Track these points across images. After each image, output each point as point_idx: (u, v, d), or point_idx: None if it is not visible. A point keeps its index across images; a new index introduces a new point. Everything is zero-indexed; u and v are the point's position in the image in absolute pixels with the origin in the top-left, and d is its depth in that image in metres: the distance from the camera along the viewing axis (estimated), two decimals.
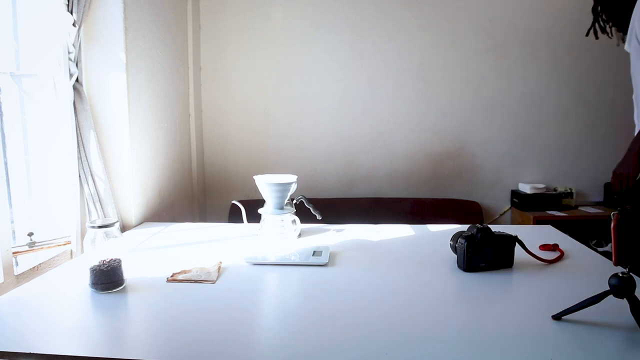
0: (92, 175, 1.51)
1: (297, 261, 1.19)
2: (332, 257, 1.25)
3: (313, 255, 1.23)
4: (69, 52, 1.43)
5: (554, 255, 1.22)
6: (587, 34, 1.56)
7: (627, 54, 1.45)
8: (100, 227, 0.98)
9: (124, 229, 1.62)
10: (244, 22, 2.49)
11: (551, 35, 2.50)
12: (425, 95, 2.56)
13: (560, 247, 1.29)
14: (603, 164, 2.56)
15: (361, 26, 2.51)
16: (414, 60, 2.52)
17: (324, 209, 1.56)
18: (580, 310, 0.82)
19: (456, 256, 1.15)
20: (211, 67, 2.52)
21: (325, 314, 0.90)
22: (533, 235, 1.38)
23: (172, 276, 1.08)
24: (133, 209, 1.65)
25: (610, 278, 0.77)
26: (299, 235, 1.46)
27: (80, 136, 1.49)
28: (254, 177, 1.22)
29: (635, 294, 0.76)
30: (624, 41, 1.47)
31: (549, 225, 1.61)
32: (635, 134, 1.43)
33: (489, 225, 1.13)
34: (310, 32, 2.51)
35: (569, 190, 2.57)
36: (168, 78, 2.02)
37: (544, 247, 1.29)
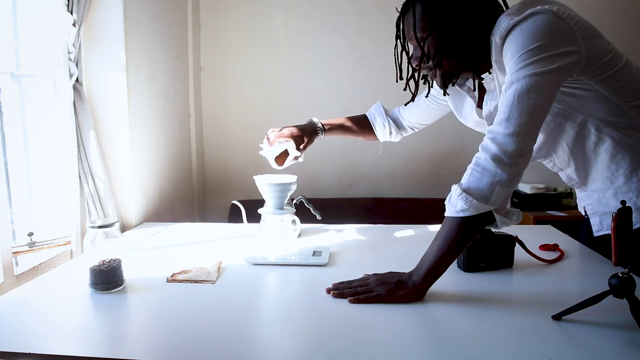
0: (92, 175, 1.51)
1: (297, 261, 1.19)
2: (332, 257, 1.25)
3: (313, 255, 1.23)
4: (69, 52, 1.43)
5: (554, 255, 1.22)
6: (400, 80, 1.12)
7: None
8: (100, 227, 0.98)
9: (124, 229, 1.62)
10: (244, 22, 2.49)
11: None
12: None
13: (560, 247, 1.29)
14: None
15: (362, 26, 2.50)
16: None
17: (324, 209, 1.57)
18: (580, 310, 0.82)
19: None
20: (211, 67, 2.52)
21: (325, 314, 0.90)
22: (533, 235, 1.38)
23: (172, 276, 1.08)
24: (133, 209, 1.65)
25: (610, 278, 0.77)
26: (299, 235, 1.46)
27: (80, 136, 1.49)
28: (254, 177, 1.22)
29: (635, 294, 0.76)
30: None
31: (549, 225, 1.61)
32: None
33: None
34: (310, 32, 2.51)
35: (569, 190, 2.57)
36: (168, 78, 2.02)
37: (544, 247, 1.29)
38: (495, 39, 0.90)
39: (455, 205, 0.87)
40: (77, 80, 1.48)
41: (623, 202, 0.74)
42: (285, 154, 1.26)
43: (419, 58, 0.99)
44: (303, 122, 1.40)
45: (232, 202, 1.54)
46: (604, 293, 0.78)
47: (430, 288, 0.94)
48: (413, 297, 0.92)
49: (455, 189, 0.89)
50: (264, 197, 1.24)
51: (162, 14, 1.92)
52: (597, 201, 1.11)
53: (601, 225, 1.12)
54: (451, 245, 0.89)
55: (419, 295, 0.93)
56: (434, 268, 0.91)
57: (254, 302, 0.99)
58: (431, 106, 1.32)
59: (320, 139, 1.37)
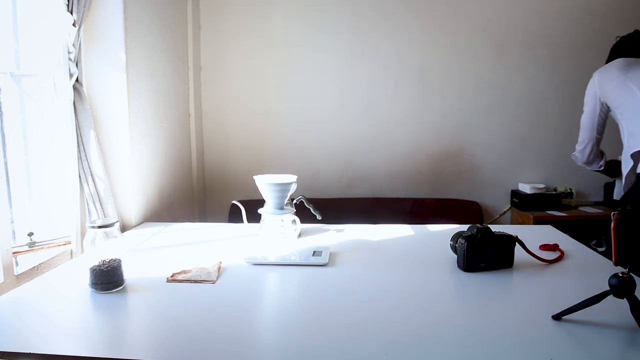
0: (92, 175, 1.51)
1: (297, 261, 1.19)
2: (332, 257, 1.25)
3: (313, 255, 1.23)
4: (69, 52, 1.43)
5: (554, 255, 1.22)
6: None
7: None
8: (100, 227, 0.98)
9: (124, 229, 1.62)
10: (244, 22, 2.49)
11: (551, 36, 2.50)
12: (425, 95, 2.56)
13: (560, 247, 1.29)
14: None
15: (361, 26, 2.51)
16: (414, 61, 2.52)
17: (324, 209, 1.56)
18: (580, 310, 0.82)
19: (456, 256, 1.15)
20: (211, 67, 2.52)
21: (325, 314, 0.90)
22: (533, 235, 1.38)
23: (172, 276, 1.08)
24: (133, 209, 1.65)
25: (610, 278, 0.77)
26: (299, 235, 1.46)
27: (80, 136, 1.49)
28: (254, 177, 1.22)
29: (635, 294, 0.76)
30: None
31: (549, 225, 1.61)
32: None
33: (489, 225, 1.13)
34: (310, 33, 2.51)
35: (569, 190, 2.57)
36: (168, 78, 2.02)
37: (544, 247, 1.29)
38: None
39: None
40: (77, 80, 1.48)
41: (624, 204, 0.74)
42: None
43: None
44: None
45: (232, 202, 1.54)
46: (604, 293, 0.78)
47: (430, 288, 0.94)
48: None
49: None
50: (264, 197, 1.24)
51: (162, 14, 1.92)
52: None
53: None
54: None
55: None
56: None
57: (254, 302, 0.99)
58: None
59: None
